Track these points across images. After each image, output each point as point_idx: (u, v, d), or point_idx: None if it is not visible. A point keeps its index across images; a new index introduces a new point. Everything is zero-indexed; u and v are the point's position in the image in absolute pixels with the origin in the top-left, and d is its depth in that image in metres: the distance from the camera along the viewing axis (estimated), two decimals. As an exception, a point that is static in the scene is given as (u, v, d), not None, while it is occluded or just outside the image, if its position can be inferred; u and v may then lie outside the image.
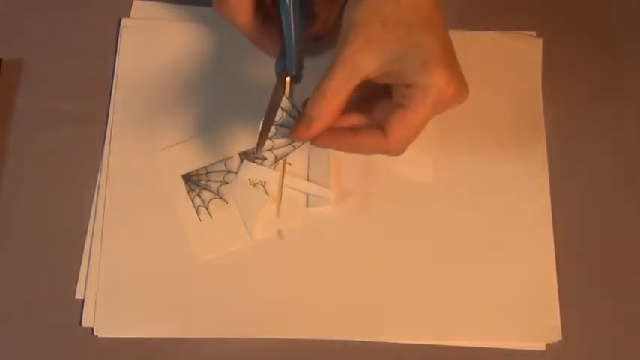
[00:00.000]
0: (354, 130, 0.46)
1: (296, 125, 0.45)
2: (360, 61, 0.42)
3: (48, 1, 0.58)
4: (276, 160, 0.48)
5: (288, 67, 0.48)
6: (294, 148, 0.48)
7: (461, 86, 0.44)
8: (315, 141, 0.46)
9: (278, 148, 0.48)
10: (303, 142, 0.46)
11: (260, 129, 0.47)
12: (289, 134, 0.46)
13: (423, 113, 0.43)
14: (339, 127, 0.46)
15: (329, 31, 0.52)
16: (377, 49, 0.42)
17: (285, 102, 0.46)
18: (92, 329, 0.50)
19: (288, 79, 0.48)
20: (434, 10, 0.43)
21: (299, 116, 0.46)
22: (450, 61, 0.43)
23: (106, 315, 0.50)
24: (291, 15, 0.47)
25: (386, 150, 0.45)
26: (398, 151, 0.46)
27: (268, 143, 0.47)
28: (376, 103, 0.46)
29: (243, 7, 0.49)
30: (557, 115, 0.56)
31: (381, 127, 0.45)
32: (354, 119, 0.46)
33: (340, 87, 0.43)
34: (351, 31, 0.42)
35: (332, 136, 0.46)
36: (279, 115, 0.47)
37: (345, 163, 0.54)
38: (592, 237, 0.53)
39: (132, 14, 0.58)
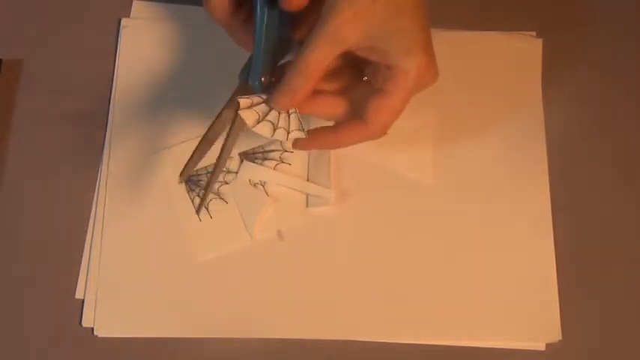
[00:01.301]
0: (334, 127, 0.47)
1: (277, 94, 0.45)
2: (345, 33, 0.42)
3: (48, 1, 0.58)
4: (304, 131, 0.46)
5: (251, 77, 0.46)
6: (296, 112, 0.46)
7: (436, 70, 0.45)
8: (297, 146, 0.47)
9: (288, 125, 0.46)
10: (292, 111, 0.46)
11: (203, 135, 0.47)
12: (270, 102, 0.45)
13: (403, 97, 0.44)
14: (321, 128, 0.47)
15: None
16: (364, 24, 0.42)
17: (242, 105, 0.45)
18: (92, 329, 0.50)
19: (240, 100, 0.46)
20: None
21: (279, 85, 0.45)
22: (429, 46, 0.44)
23: (106, 315, 0.50)
24: (263, 26, 0.45)
25: (369, 137, 0.46)
26: (380, 135, 0.46)
27: (282, 132, 0.46)
28: (350, 84, 0.47)
29: (222, 4, 0.48)
30: (557, 116, 0.56)
31: (359, 114, 0.45)
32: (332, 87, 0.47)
33: (323, 58, 0.43)
34: (338, 2, 0.42)
35: (315, 139, 0.47)
36: (256, 114, 0.46)
37: (345, 163, 0.54)
38: (592, 237, 0.53)
39: (132, 14, 0.58)
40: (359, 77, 0.47)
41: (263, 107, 0.46)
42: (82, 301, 0.51)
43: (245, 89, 0.47)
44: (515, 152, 0.55)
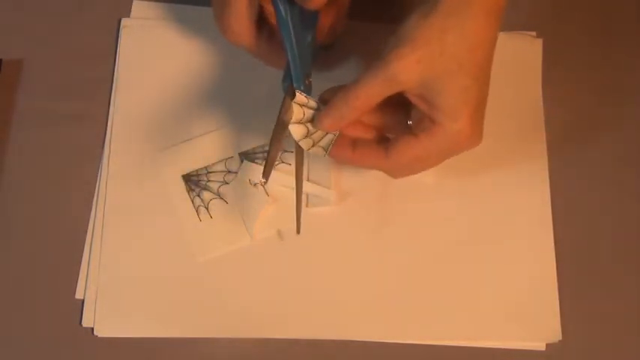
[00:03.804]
0: (353, 144, 0.46)
1: (323, 116, 0.45)
2: (403, 77, 0.42)
3: (48, 1, 0.58)
4: (326, 151, 0.47)
5: (295, 83, 0.47)
6: (335, 136, 0.47)
7: (477, 138, 0.44)
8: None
9: (319, 140, 0.47)
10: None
11: (269, 146, 0.47)
12: (314, 123, 0.46)
13: (431, 152, 0.44)
14: (341, 141, 0.46)
15: (337, 39, 0.52)
16: (424, 72, 0.41)
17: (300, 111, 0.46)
18: (92, 329, 0.50)
19: (296, 95, 0.47)
20: (489, 56, 0.43)
21: (327, 107, 0.45)
22: (480, 112, 0.43)
23: (106, 315, 0.50)
24: (291, 30, 0.46)
25: (384, 169, 0.46)
26: (395, 175, 0.46)
27: (308, 141, 0.47)
28: (393, 124, 0.47)
29: (245, 29, 0.48)
30: (557, 115, 0.56)
31: (384, 145, 0.45)
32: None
33: (375, 95, 0.43)
34: (406, 45, 0.41)
35: (333, 147, 0.47)
36: (302, 113, 0.46)
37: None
38: (592, 237, 0.53)
39: (132, 14, 0.58)
40: (404, 119, 0.46)
41: (311, 113, 0.46)
42: (82, 301, 0.51)
43: (291, 95, 0.47)
44: (515, 152, 0.55)
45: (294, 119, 0.46)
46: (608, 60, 0.57)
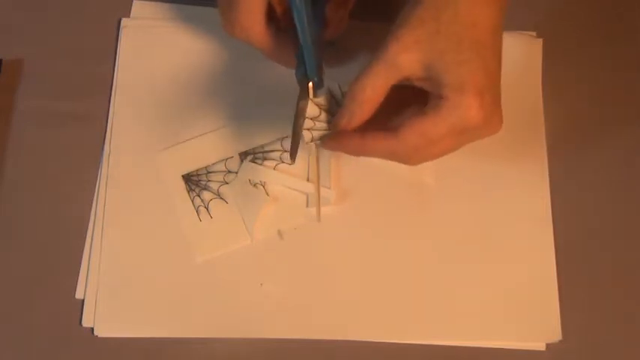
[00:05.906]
0: (361, 131, 0.45)
1: (337, 117, 0.45)
2: (403, 61, 0.42)
3: (48, 1, 0.58)
4: (313, 139, 0.47)
5: (309, 72, 0.47)
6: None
7: (491, 118, 0.43)
8: (324, 145, 0.47)
9: (317, 130, 0.47)
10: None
11: (291, 138, 0.47)
12: (331, 126, 0.47)
13: (440, 127, 0.42)
14: (348, 131, 0.45)
15: (342, 36, 0.52)
16: (422, 53, 0.42)
17: (311, 106, 0.47)
18: (92, 329, 0.50)
19: (310, 84, 0.47)
20: (490, 33, 0.42)
21: (340, 108, 0.45)
22: (488, 89, 0.42)
23: (106, 315, 0.51)
24: (305, 18, 0.46)
25: (393, 152, 0.44)
26: (406, 155, 0.45)
27: (308, 122, 0.47)
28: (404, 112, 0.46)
29: (256, 23, 0.48)
30: (557, 115, 0.55)
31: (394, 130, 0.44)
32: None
33: (379, 83, 0.43)
34: (401, 28, 0.42)
35: (340, 140, 0.46)
36: (318, 113, 0.47)
37: (345, 163, 0.54)
38: (592, 237, 0.53)
39: (132, 14, 0.58)
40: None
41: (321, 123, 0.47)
42: (82, 301, 0.51)
43: (304, 85, 0.47)
44: (515, 152, 0.55)
45: (309, 114, 0.46)
46: (608, 60, 0.57)
